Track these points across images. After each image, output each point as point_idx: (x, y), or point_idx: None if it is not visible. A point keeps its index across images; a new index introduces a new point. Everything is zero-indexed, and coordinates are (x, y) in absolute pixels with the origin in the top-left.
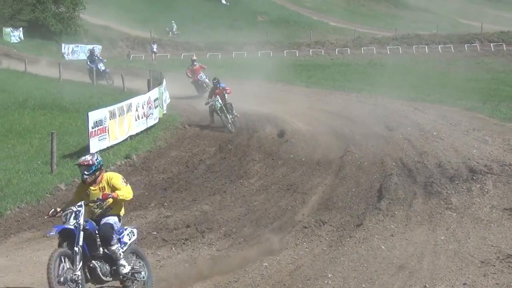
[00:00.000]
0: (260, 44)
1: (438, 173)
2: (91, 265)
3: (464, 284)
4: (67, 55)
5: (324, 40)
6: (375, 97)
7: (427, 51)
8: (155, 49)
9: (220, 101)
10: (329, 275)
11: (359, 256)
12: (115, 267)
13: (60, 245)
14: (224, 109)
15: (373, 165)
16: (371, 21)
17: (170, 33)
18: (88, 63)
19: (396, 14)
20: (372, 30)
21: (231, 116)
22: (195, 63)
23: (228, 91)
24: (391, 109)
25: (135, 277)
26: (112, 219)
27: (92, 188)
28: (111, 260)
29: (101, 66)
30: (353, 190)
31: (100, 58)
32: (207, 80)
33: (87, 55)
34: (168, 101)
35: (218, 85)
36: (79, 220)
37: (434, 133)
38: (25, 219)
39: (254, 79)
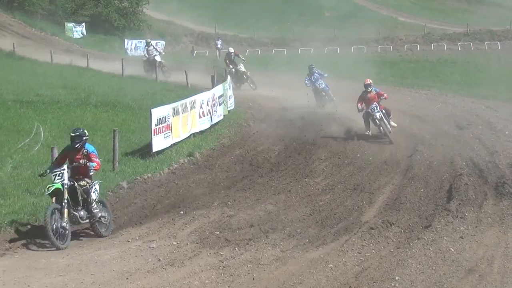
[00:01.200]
0: (327, 40)
1: (510, 174)
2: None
3: None
4: (130, 50)
5: (393, 36)
6: (445, 94)
7: (499, 48)
8: (219, 45)
9: None
10: (396, 278)
11: (427, 258)
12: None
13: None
14: None
15: (442, 165)
16: (441, 16)
17: None
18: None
19: (468, 9)
20: (442, 26)
21: None
22: (369, 88)
23: None
24: (462, 107)
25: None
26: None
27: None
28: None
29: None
30: (422, 190)
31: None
32: (385, 123)
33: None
34: (232, 98)
35: None
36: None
37: (506, 133)
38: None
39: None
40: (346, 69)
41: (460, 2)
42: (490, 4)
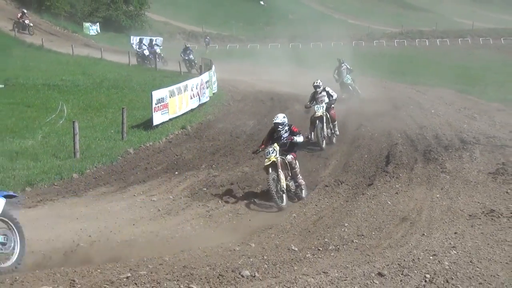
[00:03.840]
0: (291, 38)
1: (435, 143)
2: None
3: (455, 233)
4: (135, 45)
5: (344, 35)
6: (385, 81)
7: (427, 44)
8: (207, 41)
9: None
10: (345, 224)
11: (370, 209)
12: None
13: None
14: None
15: (382, 136)
16: (382, 19)
17: None
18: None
19: (402, 13)
20: (382, 27)
21: None
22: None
23: None
24: (397, 91)
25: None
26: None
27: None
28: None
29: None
30: (366, 156)
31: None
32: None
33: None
34: (216, 83)
35: None
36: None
37: (432, 111)
38: (101, 177)
39: (285, 66)
40: (304, 60)
41: (396, 8)
42: (421, 9)
